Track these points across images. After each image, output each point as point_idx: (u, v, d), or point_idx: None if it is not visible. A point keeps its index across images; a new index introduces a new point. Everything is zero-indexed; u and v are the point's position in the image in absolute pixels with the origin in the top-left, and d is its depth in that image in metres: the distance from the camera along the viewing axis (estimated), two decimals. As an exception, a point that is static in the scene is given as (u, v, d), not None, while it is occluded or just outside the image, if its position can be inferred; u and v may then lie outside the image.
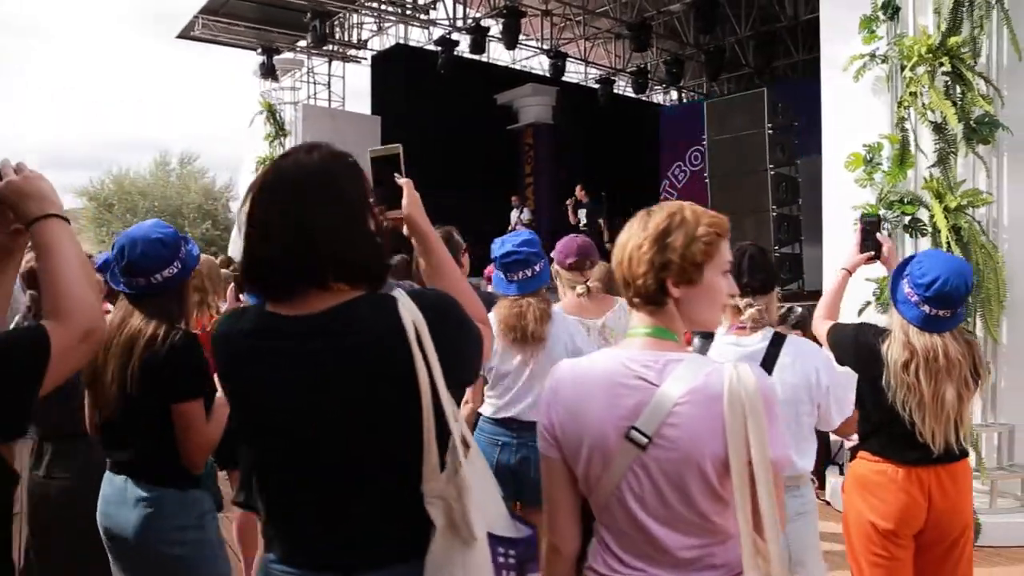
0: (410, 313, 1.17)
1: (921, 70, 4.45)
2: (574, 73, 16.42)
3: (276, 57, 12.95)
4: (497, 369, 2.66)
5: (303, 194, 1.21)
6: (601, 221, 10.65)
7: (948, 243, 4.25)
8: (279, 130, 12.82)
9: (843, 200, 5.13)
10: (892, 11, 4.70)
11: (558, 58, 13.83)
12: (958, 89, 4.41)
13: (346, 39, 13.57)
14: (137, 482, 2.02)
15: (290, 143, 12.92)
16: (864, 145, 4.91)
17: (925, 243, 4.59)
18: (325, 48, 13.20)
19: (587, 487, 1.27)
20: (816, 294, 4.13)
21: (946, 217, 4.31)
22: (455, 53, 13.34)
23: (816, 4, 12.05)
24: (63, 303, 1.21)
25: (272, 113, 12.85)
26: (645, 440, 1.19)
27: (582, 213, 10.50)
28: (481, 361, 1.35)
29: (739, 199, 6.10)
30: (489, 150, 15.52)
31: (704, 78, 16.70)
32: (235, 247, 15.60)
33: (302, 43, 13.27)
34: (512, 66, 16.16)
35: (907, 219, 4.63)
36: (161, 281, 2.10)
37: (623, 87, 17.14)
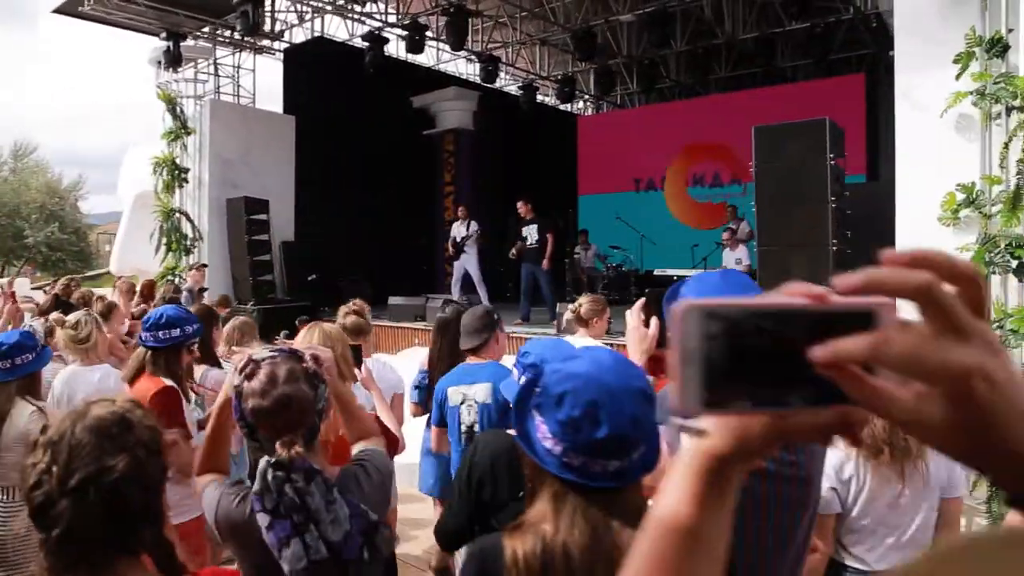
0: None
1: (1039, 112, 4.29)
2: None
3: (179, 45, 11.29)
4: (865, 506, 2.02)
5: None
6: (549, 237, 9.92)
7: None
8: (182, 127, 11.20)
9: (923, 240, 4.93)
10: (1001, 49, 4.51)
11: (490, 62, 13.12)
12: (1073, 133, 4.29)
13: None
14: None
15: (194, 143, 11.36)
16: (958, 185, 4.72)
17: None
18: (235, 37, 11.71)
19: None
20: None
21: (1072, 266, 4.17)
22: (381, 51, 12.27)
23: (755, 23, 12.31)
24: None
25: (173, 108, 11.22)
26: None
27: (532, 230, 9.72)
28: None
29: (792, 232, 5.78)
30: (406, 155, 14.58)
31: (618, 89, 16.65)
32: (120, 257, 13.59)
33: (206, 29, 11.69)
34: (430, 68, 15.27)
35: (1015, 263, 4.46)
36: None
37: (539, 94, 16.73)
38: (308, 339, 2.68)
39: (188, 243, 11.05)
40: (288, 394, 1.45)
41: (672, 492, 0.58)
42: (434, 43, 13.48)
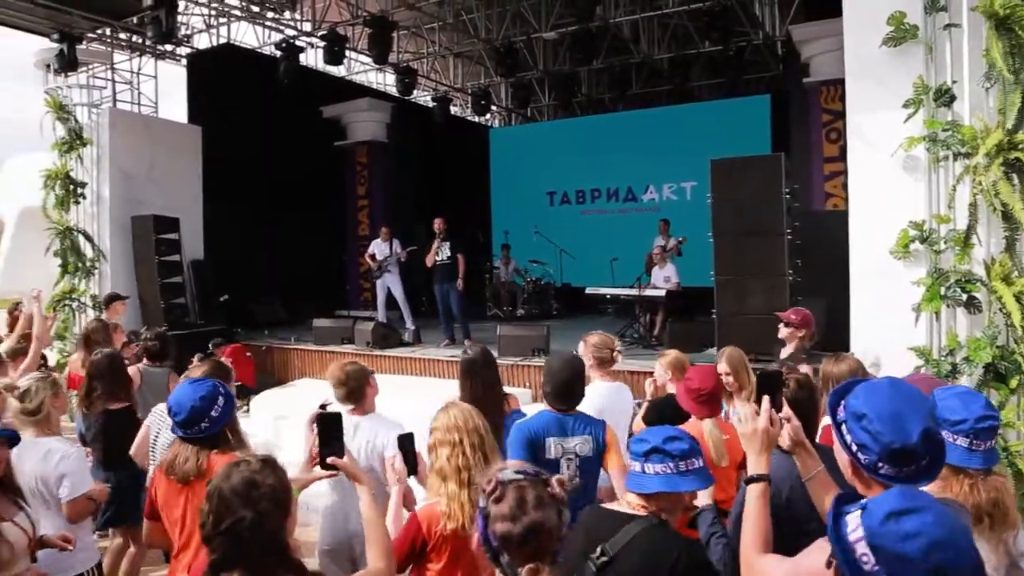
0: None
1: (985, 161, 4.66)
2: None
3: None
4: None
5: None
6: (460, 257, 9.76)
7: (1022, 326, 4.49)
8: (76, 138, 10.27)
9: (875, 270, 5.27)
10: (948, 100, 4.87)
11: (407, 74, 12.88)
12: (1014, 178, 4.69)
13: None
14: None
15: (91, 154, 10.47)
16: (910, 222, 5.06)
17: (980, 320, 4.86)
18: (135, 41, 10.90)
19: None
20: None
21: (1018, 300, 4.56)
22: (295, 61, 11.79)
23: (672, 44, 12.75)
24: None
25: (65, 116, 10.27)
26: None
27: (445, 247, 9.59)
28: None
29: (748, 262, 6.02)
30: (318, 167, 14.09)
31: (527, 104, 16.76)
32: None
33: (103, 31, 10.80)
34: (340, 77, 14.82)
35: (965, 296, 4.83)
36: None
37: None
38: (454, 419, 2.53)
39: (88, 264, 10.16)
40: (538, 521, 1.43)
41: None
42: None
